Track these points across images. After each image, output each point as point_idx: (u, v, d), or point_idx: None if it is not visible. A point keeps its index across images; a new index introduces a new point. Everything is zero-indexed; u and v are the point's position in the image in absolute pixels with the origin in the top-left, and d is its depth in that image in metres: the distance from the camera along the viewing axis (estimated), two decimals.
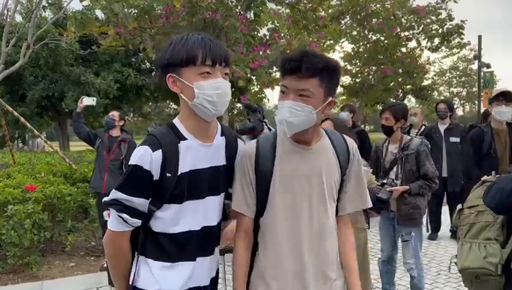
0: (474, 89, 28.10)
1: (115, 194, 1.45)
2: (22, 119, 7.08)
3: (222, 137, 1.62)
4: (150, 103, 25.19)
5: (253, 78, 9.23)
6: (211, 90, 1.44)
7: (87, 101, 5.03)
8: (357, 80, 17.49)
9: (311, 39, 8.41)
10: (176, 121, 1.56)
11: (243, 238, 1.65)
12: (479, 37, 17.46)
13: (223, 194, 1.64)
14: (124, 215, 1.45)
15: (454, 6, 13.68)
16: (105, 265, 4.83)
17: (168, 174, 1.45)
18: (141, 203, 1.46)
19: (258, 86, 9.24)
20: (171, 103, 25.26)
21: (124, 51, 11.69)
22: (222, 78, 1.48)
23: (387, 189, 3.41)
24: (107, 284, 4.38)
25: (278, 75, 9.01)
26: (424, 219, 3.71)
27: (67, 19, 12.46)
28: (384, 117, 3.67)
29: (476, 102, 19.70)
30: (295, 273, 1.60)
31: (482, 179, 2.26)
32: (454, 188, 6.10)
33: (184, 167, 1.49)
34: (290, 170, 1.61)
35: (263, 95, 10.55)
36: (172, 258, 1.52)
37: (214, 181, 1.58)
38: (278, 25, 8.45)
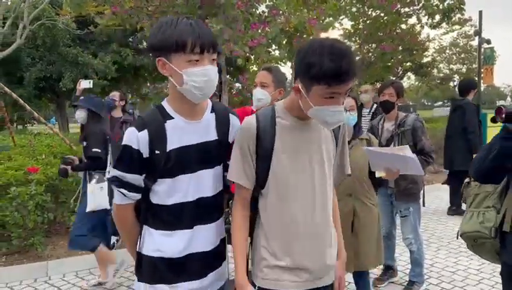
0: (474, 66, 27.88)
1: (113, 172, 1.64)
2: (21, 101, 7.05)
3: (212, 114, 1.72)
4: (148, 84, 25.02)
5: (252, 57, 9.14)
6: (199, 77, 1.52)
7: (85, 84, 5.00)
8: (357, 58, 17.34)
9: (310, 16, 8.30)
10: (164, 103, 1.67)
11: (241, 208, 1.73)
12: (480, 13, 17.24)
13: (218, 167, 1.73)
14: (122, 190, 1.62)
15: None
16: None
17: (157, 152, 1.58)
18: (135, 178, 1.62)
19: (257, 65, 9.16)
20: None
21: (121, 30, 11.56)
22: (210, 64, 1.55)
23: None
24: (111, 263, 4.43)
25: (277, 53, 8.93)
26: (421, 194, 3.77)
27: None
28: (388, 93, 3.71)
29: (476, 78, 19.59)
30: (307, 236, 1.68)
31: None
32: None
33: (172, 144, 1.60)
34: (291, 140, 1.67)
35: None
36: (170, 226, 1.66)
37: (206, 155, 1.67)
38: (276, 1, 8.32)
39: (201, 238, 1.69)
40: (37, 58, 17.01)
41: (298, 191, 1.67)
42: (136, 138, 1.56)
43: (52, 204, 5.01)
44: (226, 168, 1.75)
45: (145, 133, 1.57)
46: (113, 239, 4.95)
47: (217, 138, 1.70)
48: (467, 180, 2.44)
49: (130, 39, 18.64)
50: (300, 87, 1.55)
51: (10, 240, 4.68)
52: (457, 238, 2.39)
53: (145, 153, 1.58)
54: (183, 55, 1.50)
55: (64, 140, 7.16)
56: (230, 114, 1.78)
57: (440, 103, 65.40)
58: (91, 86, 5.17)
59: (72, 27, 13.77)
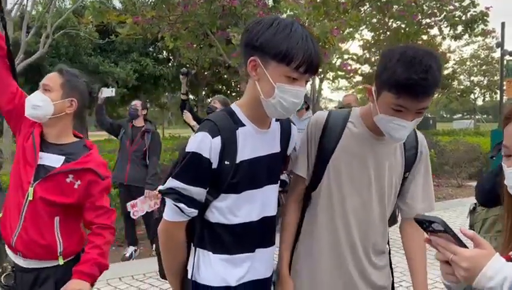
0: (496, 78, 27.45)
1: (171, 183, 1.38)
2: None
3: (277, 122, 1.54)
4: (167, 93, 25.26)
5: None
6: (290, 97, 1.34)
7: (107, 92, 4.96)
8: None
9: (331, 26, 8.23)
10: (235, 107, 1.46)
11: (295, 201, 1.65)
12: (502, 24, 16.98)
13: (278, 182, 1.57)
14: (181, 205, 1.38)
15: None
16: (126, 255, 4.83)
17: (226, 162, 1.38)
18: (198, 192, 1.39)
19: None
20: (188, 93, 25.36)
21: (141, 40, 11.69)
22: (304, 86, 1.38)
23: None
24: (129, 275, 4.37)
25: None
26: None
27: (85, 8, 12.49)
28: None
29: (498, 91, 19.26)
30: (340, 253, 1.58)
31: None
32: None
33: (243, 154, 1.41)
34: (355, 152, 1.54)
35: None
36: (231, 250, 1.46)
37: (272, 169, 1.51)
38: (297, 12, 8.29)
39: (261, 263, 1.52)
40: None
41: (346, 204, 1.55)
42: (209, 145, 1.34)
43: None
44: (280, 184, 1.61)
45: (218, 140, 1.36)
46: (131, 249, 4.91)
47: (280, 150, 1.53)
48: (472, 205, 2.37)
49: (151, 48, 18.87)
50: (373, 89, 1.44)
51: None
52: None
53: (215, 163, 1.37)
54: (285, 67, 1.30)
55: None
56: (291, 124, 1.62)
57: (459, 115, 64.54)
58: (113, 95, 5.12)
59: (95, 36, 14.00)
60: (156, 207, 4.76)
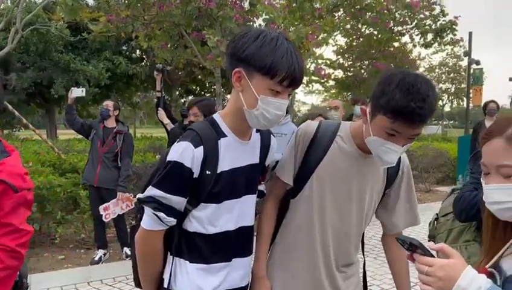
0: (462, 86, 28.30)
1: (151, 191, 1.38)
2: (10, 107, 6.87)
3: (257, 134, 1.57)
4: (139, 93, 24.86)
5: None
6: (274, 109, 1.37)
7: (77, 92, 4.84)
8: (349, 74, 17.47)
9: (305, 31, 8.30)
10: (217, 117, 1.48)
11: (273, 202, 1.68)
12: (470, 34, 17.52)
13: (256, 193, 1.60)
14: (160, 214, 1.38)
15: (447, 2, 13.71)
16: (95, 259, 4.73)
17: (207, 172, 1.39)
18: (179, 201, 1.40)
19: None
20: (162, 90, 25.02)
21: (114, 38, 11.47)
22: (287, 98, 1.40)
23: None
24: (98, 279, 4.28)
25: None
26: None
27: (56, 4, 12.16)
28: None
29: (465, 98, 19.86)
30: (315, 264, 1.60)
31: (452, 187, 2.42)
32: None
33: (224, 164, 1.43)
34: (341, 167, 1.57)
35: None
36: (208, 259, 1.47)
37: (251, 180, 1.53)
38: (272, 16, 8.32)
39: (237, 272, 1.53)
40: (28, 63, 16.78)
41: (325, 215, 1.58)
42: (191, 155, 1.36)
43: (38, 214, 4.83)
44: (258, 194, 1.63)
45: (201, 150, 1.37)
46: (101, 253, 4.81)
47: (259, 161, 1.56)
48: (434, 216, 2.39)
49: (124, 47, 18.54)
50: (368, 111, 1.44)
51: None
52: None
53: (196, 173, 1.38)
54: (269, 81, 1.33)
55: (53, 148, 6.99)
56: (271, 136, 1.65)
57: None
58: (83, 95, 5.00)
59: (66, 33, 13.65)
60: (127, 209, 4.69)
